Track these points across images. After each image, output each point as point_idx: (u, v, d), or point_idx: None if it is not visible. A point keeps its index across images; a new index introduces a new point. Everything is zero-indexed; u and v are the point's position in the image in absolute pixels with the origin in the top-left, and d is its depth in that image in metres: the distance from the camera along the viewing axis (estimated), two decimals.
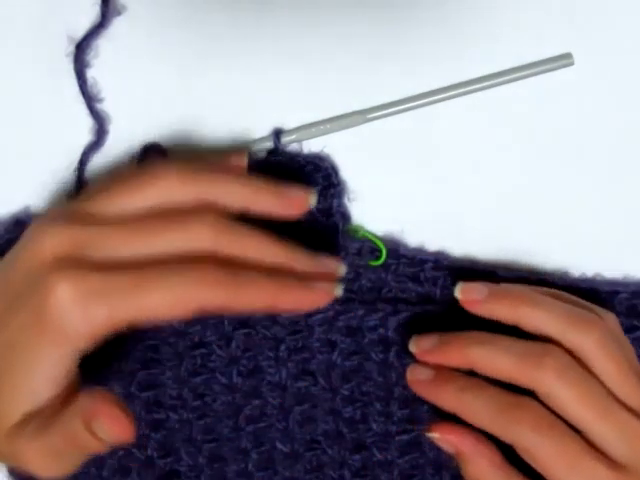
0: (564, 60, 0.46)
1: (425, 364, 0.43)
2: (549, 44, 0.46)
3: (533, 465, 0.40)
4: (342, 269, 0.41)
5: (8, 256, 0.39)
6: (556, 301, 0.42)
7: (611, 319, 0.42)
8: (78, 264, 0.36)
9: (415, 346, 0.43)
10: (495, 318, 0.42)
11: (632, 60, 0.46)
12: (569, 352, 0.40)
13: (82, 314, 0.36)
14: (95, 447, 0.38)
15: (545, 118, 0.46)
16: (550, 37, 0.46)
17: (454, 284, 0.44)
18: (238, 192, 0.39)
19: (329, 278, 0.40)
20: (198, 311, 0.37)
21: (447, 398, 0.42)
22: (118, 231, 0.37)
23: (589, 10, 0.46)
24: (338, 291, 0.40)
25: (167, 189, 0.38)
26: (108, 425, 0.36)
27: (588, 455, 0.39)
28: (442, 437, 0.42)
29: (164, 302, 0.36)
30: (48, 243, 0.37)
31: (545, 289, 0.43)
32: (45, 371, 0.37)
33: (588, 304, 0.42)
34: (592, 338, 0.40)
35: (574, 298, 0.43)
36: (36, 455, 0.38)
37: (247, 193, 0.39)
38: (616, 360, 0.40)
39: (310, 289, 0.39)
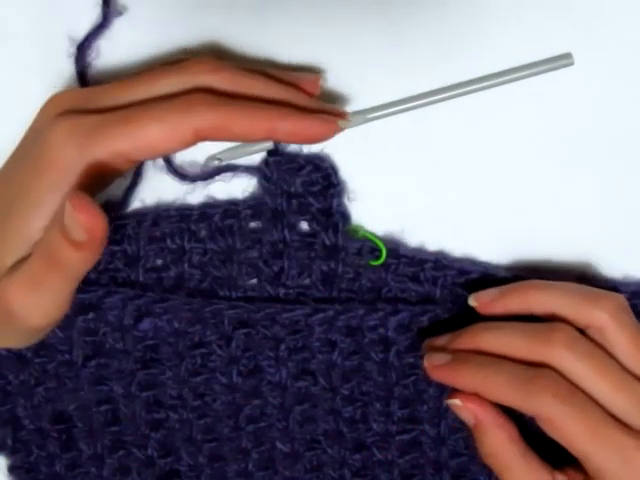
0: (564, 60, 0.46)
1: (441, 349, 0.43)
2: (549, 44, 0.46)
3: (555, 436, 0.40)
4: (348, 115, 0.42)
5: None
6: (565, 283, 0.43)
7: (622, 297, 0.42)
8: (77, 112, 0.38)
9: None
10: (510, 312, 0.43)
11: (632, 60, 0.46)
12: (580, 331, 0.41)
13: (76, 147, 0.37)
14: (72, 261, 0.37)
15: (545, 118, 0.46)
16: (550, 37, 0.46)
17: (460, 289, 0.45)
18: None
19: (333, 114, 0.41)
20: (196, 138, 0.38)
21: (467, 377, 0.41)
22: (118, 84, 0.39)
23: (589, 10, 0.46)
24: (343, 124, 0.41)
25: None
26: (77, 215, 0.36)
27: (610, 423, 0.39)
28: (463, 405, 0.42)
29: (159, 132, 0.37)
30: (52, 102, 0.39)
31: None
32: (44, 211, 0.38)
33: (597, 289, 0.43)
34: (607, 311, 0.41)
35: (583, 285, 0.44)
36: (18, 290, 0.38)
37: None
38: (630, 333, 0.41)
39: (311, 119, 0.40)
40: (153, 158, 0.38)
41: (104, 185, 0.41)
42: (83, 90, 0.41)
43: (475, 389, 0.41)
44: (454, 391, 0.43)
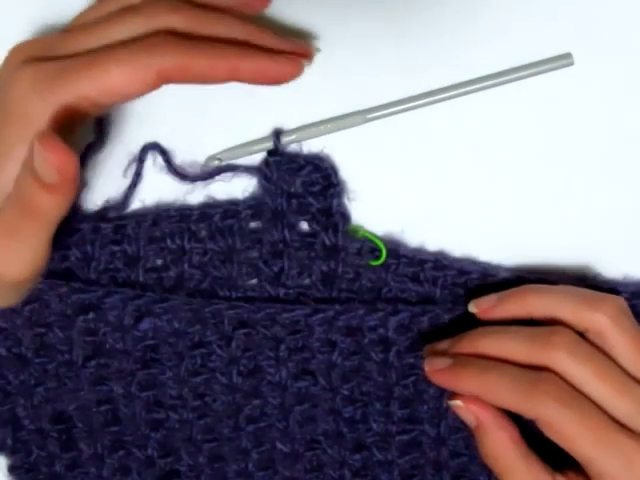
0: (564, 60, 0.46)
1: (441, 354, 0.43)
2: (549, 44, 0.46)
3: (556, 439, 0.40)
4: (312, 52, 0.42)
5: None
6: (564, 286, 0.43)
7: (622, 300, 0.42)
8: (40, 60, 0.38)
9: (428, 365, 0.43)
10: (509, 316, 0.42)
11: (632, 60, 0.46)
12: (580, 334, 0.41)
13: (40, 94, 0.37)
14: (45, 205, 0.37)
15: (545, 118, 0.46)
16: (550, 37, 0.46)
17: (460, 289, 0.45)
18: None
19: (298, 54, 0.41)
20: (160, 80, 0.38)
21: (468, 381, 0.41)
22: (78, 29, 0.39)
23: (589, 10, 0.46)
24: (307, 63, 0.41)
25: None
26: (47, 155, 0.36)
27: (611, 426, 0.39)
28: (465, 406, 0.42)
29: (121, 74, 0.37)
30: (14, 52, 0.39)
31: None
32: (14, 163, 0.38)
33: (596, 292, 0.43)
34: (606, 314, 0.41)
35: (582, 288, 0.43)
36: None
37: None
38: (630, 336, 0.41)
39: (274, 58, 0.40)
40: (119, 102, 0.38)
41: (73, 131, 0.40)
42: (45, 38, 0.40)
43: (476, 393, 0.41)
44: (455, 392, 0.43)
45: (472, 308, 0.44)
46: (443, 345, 0.44)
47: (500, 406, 0.41)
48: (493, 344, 0.41)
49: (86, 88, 0.37)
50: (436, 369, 0.43)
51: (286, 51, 0.41)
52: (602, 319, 0.41)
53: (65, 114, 0.38)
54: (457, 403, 0.42)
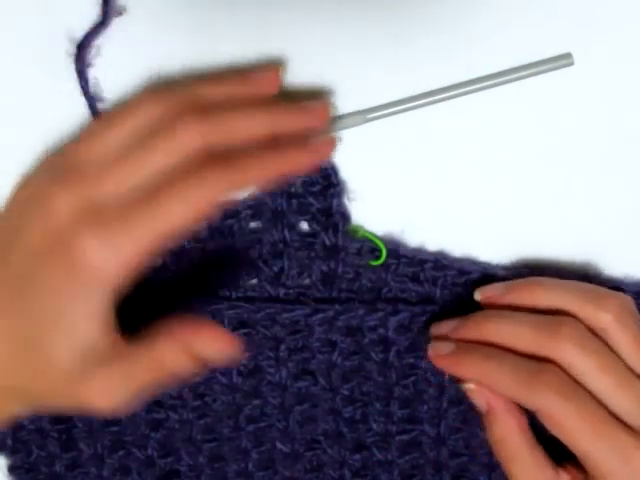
0: (564, 60, 0.46)
1: (445, 339, 0.43)
2: (549, 44, 0.46)
3: (556, 432, 0.40)
4: (329, 111, 0.43)
5: (11, 221, 0.39)
6: (571, 281, 0.43)
7: (628, 298, 0.42)
8: (92, 212, 0.37)
9: (431, 349, 0.44)
10: (516, 304, 0.42)
11: (632, 60, 0.46)
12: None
13: (111, 253, 0.37)
14: (183, 368, 0.39)
15: (545, 118, 0.46)
16: (550, 37, 0.46)
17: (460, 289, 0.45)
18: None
19: (322, 124, 0.42)
20: (216, 209, 0.38)
21: (471, 367, 0.42)
22: (113, 167, 0.38)
23: (589, 10, 0.46)
24: (336, 139, 0.43)
25: (146, 114, 0.39)
26: (213, 343, 0.39)
27: (611, 422, 0.39)
28: (478, 390, 0.42)
29: (182, 214, 0.37)
30: (57, 205, 0.37)
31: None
32: (91, 318, 0.37)
33: (603, 288, 0.43)
34: (610, 312, 0.41)
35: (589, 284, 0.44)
36: (104, 392, 0.38)
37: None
38: (633, 334, 0.41)
39: (309, 147, 0.41)
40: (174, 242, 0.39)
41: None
42: (82, 181, 0.38)
43: (478, 380, 0.42)
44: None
45: (477, 296, 0.44)
46: (449, 326, 0.44)
47: (501, 394, 0.41)
48: (499, 329, 0.41)
49: (152, 234, 0.37)
50: (439, 354, 0.43)
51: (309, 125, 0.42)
52: (605, 317, 0.41)
53: (133, 263, 0.37)
54: (470, 387, 0.42)
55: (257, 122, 0.40)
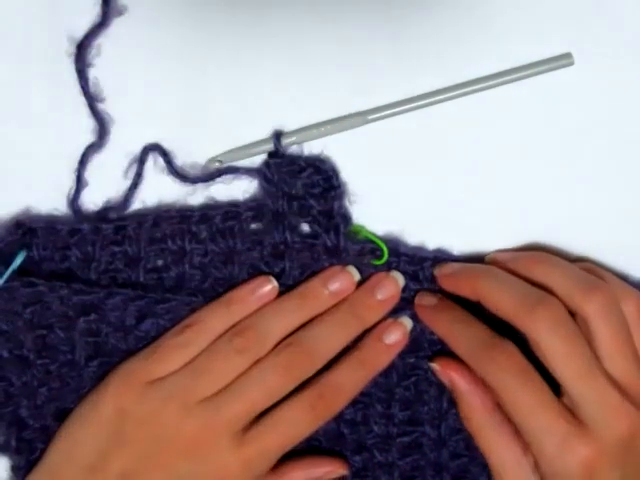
0: (564, 60, 0.46)
1: (432, 292, 0.46)
2: (549, 44, 0.46)
3: (507, 409, 0.41)
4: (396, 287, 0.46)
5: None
6: (569, 265, 0.44)
7: (614, 292, 0.42)
8: (228, 432, 0.42)
9: (437, 269, 0.46)
10: (515, 273, 0.44)
11: (632, 60, 0.46)
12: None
13: (253, 474, 0.43)
14: None
15: (545, 118, 0.46)
16: (550, 37, 0.46)
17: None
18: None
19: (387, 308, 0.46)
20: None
21: (440, 326, 0.45)
22: (217, 393, 0.43)
23: (589, 10, 0.46)
24: (407, 324, 0.46)
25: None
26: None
27: (560, 408, 0.40)
28: (441, 369, 0.45)
29: (292, 438, 0.43)
30: (216, 432, 0.42)
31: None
32: None
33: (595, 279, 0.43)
34: (594, 304, 0.41)
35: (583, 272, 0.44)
36: None
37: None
38: (613, 330, 0.41)
39: (384, 345, 0.45)
40: None
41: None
42: (214, 407, 0.43)
43: (443, 338, 0.45)
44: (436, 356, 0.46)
45: (489, 257, 0.46)
46: (452, 267, 0.45)
47: (461, 358, 0.43)
48: (489, 288, 0.43)
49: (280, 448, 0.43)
50: (421, 304, 0.46)
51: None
52: (589, 308, 0.41)
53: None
54: (434, 366, 0.45)
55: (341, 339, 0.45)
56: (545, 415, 0.40)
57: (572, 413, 0.40)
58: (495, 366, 0.41)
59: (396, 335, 0.45)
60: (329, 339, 0.44)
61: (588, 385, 0.40)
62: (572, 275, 0.42)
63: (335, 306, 0.45)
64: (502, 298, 0.42)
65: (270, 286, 0.44)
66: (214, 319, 0.44)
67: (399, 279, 0.45)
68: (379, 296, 0.45)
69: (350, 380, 0.44)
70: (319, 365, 0.43)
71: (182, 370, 0.43)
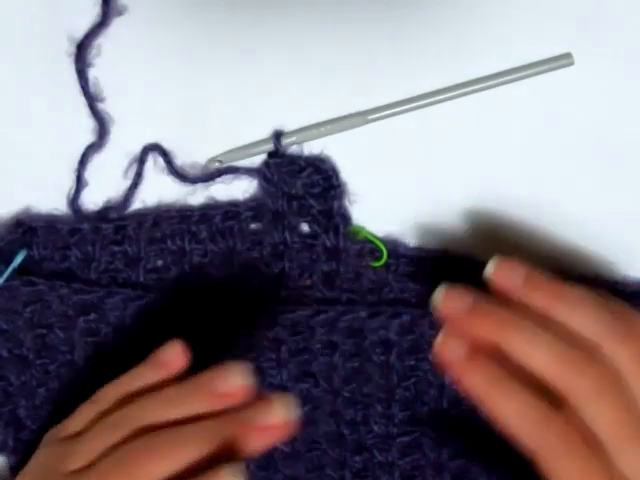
0: (564, 60, 0.46)
1: (457, 333, 0.37)
2: (549, 44, 0.46)
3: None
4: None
5: None
6: (600, 301, 0.38)
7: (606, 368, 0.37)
8: None
9: (443, 298, 0.38)
10: (530, 305, 0.38)
11: (632, 60, 0.46)
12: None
13: None
14: None
15: (545, 118, 0.46)
16: (550, 37, 0.46)
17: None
18: None
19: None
20: None
21: (476, 386, 0.37)
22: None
23: (589, 10, 0.46)
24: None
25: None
26: None
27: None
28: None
29: None
30: None
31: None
32: None
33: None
34: (588, 385, 0.36)
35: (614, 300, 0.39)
36: None
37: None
38: (612, 410, 0.36)
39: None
40: None
41: None
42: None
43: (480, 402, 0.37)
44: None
45: (490, 269, 0.39)
46: (466, 299, 0.38)
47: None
48: (522, 342, 0.36)
49: None
50: (448, 355, 0.37)
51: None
52: (582, 392, 0.36)
53: None
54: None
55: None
56: None
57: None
58: (554, 445, 0.36)
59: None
60: None
61: (636, 447, 0.36)
62: (603, 320, 0.37)
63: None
64: (540, 357, 0.36)
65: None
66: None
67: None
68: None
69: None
70: None
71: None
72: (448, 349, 0.37)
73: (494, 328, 0.37)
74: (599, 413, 0.36)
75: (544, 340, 0.36)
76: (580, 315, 0.37)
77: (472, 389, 0.37)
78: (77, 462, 0.39)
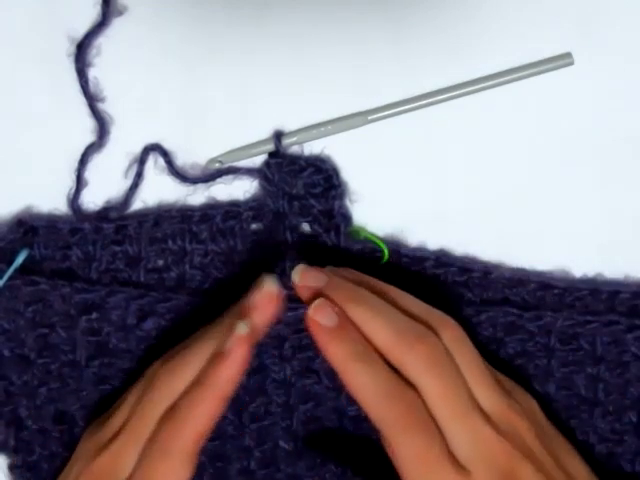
0: (564, 60, 0.46)
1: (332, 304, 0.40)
2: (549, 44, 0.46)
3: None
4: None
5: None
6: (392, 311, 0.40)
7: (439, 342, 0.39)
8: None
9: (299, 276, 0.41)
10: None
11: (632, 60, 0.46)
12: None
13: None
14: None
15: (545, 118, 0.46)
16: (550, 37, 0.46)
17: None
18: None
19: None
20: None
21: (336, 359, 0.39)
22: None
23: (589, 10, 0.46)
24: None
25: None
26: None
27: (444, 459, 0.38)
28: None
29: None
30: None
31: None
32: None
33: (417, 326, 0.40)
34: (420, 361, 0.38)
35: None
36: None
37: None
38: (443, 384, 0.38)
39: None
40: None
41: None
42: None
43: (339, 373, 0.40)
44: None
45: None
46: (315, 278, 0.41)
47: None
48: (363, 317, 0.39)
49: None
50: (317, 321, 0.40)
51: None
52: (415, 365, 0.38)
53: None
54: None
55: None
56: (440, 470, 0.38)
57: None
58: (393, 419, 0.38)
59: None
60: None
61: (466, 425, 0.38)
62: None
63: None
64: (379, 330, 0.39)
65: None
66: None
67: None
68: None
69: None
70: None
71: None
72: (317, 319, 0.40)
73: (341, 300, 0.40)
74: (430, 386, 0.38)
75: (383, 312, 0.39)
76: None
77: (332, 359, 0.39)
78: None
